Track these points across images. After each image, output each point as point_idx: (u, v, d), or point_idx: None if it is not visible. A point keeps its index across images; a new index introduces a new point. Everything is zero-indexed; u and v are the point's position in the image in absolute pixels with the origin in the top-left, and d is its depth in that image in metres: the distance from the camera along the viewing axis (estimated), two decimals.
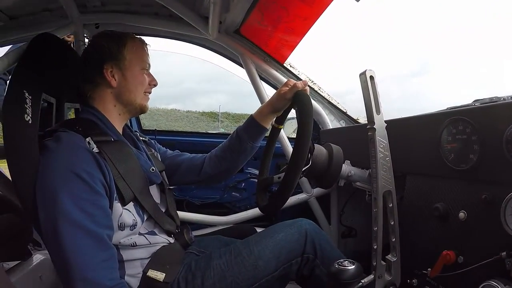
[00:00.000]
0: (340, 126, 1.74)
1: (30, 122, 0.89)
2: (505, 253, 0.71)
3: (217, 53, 1.79)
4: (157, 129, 2.03)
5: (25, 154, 0.85)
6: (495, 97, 0.88)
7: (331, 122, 1.71)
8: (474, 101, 0.93)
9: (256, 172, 1.90)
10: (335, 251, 1.06)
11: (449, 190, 0.90)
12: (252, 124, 1.16)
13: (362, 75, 0.91)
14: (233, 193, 1.85)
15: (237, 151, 1.18)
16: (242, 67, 1.70)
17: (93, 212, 0.79)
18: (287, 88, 1.06)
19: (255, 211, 1.69)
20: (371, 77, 0.91)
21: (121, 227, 0.87)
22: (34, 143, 0.87)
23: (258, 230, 1.48)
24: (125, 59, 1.00)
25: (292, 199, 1.67)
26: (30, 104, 0.91)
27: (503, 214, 0.71)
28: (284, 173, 0.93)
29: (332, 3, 1.26)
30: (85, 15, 1.58)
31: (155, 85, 1.08)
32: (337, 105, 1.73)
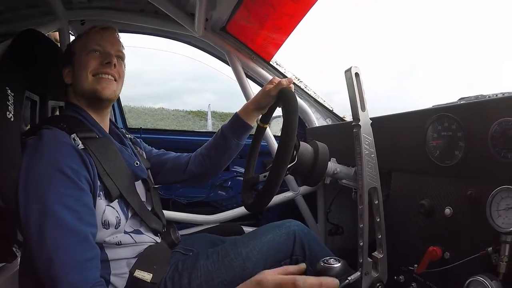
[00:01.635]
0: (326, 123, 1.73)
1: (12, 119, 0.85)
2: (491, 248, 0.71)
3: (203, 51, 1.76)
4: (142, 127, 1.98)
5: (6, 152, 0.82)
6: (480, 95, 0.88)
7: (317, 120, 1.70)
8: (459, 99, 0.93)
9: (242, 170, 1.87)
10: (325, 251, 1.04)
11: (434, 186, 0.90)
12: (236, 122, 1.14)
13: (348, 72, 0.89)
14: (219, 191, 1.83)
15: (222, 148, 1.16)
16: (228, 65, 1.67)
17: (78, 210, 0.76)
18: (272, 86, 1.05)
19: (242, 210, 1.67)
20: (357, 74, 0.89)
21: (105, 225, 0.84)
22: (16, 141, 0.84)
23: (245, 228, 1.46)
24: (74, 55, 0.99)
25: (279, 197, 1.66)
26: (13, 101, 0.88)
27: (489, 209, 0.71)
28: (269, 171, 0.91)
29: (319, 1, 1.25)
30: (70, 11, 1.54)
31: (108, 63, 0.97)
32: (323, 103, 1.72)
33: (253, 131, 1.18)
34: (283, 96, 1.01)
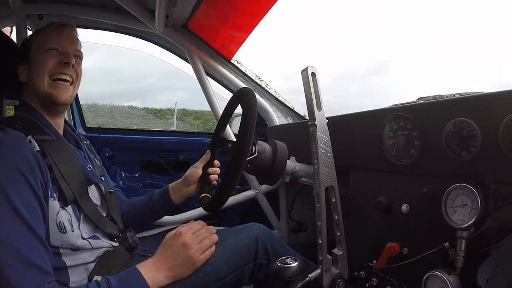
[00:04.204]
0: (287, 122, 1.71)
1: None
2: (447, 243, 0.72)
3: (164, 48, 1.67)
4: (101, 127, 1.85)
5: None
6: (438, 95, 0.89)
7: (278, 118, 1.67)
8: (418, 98, 0.94)
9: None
10: (288, 252, 1.02)
11: (391, 184, 0.89)
12: (164, 193, 1.20)
13: (304, 71, 0.86)
14: None
15: (146, 210, 1.22)
16: (189, 63, 1.60)
17: (33, 209, 0.72)
18: (198, 163, 1.18)
19: (201, 210, 1.61)
20: (313, 74, 0.86)
21: (60, 228, 0.80)
22: None
23: None
24: (30, 51, 0.92)
25: (240, 196, 1.63)
26: None
27: (444, 206, 0.71)
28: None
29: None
30: (28, 4, 1.45)
31: (67, 63, 0.91)
32: (284, 102, 1.70)
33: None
34: (242, 93, 1.00)
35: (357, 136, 1.01)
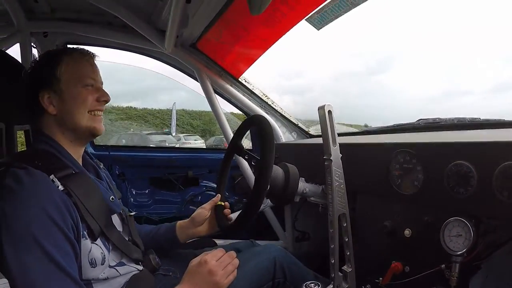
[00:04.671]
0: (292, 137, 1.81)
1: None
2: (444, 265, 0.84)
3: (172, 67, 1.73)
4: (110, 145, 1.95)
5: None
6: (438, 118, 1.01)
7: (283, 134, 1.76)
8: (418, 120, 1.04)
9: (212, 185, 1.90)
10: (302, 269, 1.14)
11: (396, 210, 1.01)
12: (170, 229, 1.22)
13: (321, 109, 0.96)
14: (190, 206, 1.82)
15: (156, 244, 1.20)
16: (197, 81, 1.66)
17: (66, 254, 0.75)
18: (206, 205, 1.21)
19: None
20: (329, 112, 0.96)
21: (92, 263, 0.83)
22: None
23: (217, 241, 1.51)
24: (60, 81, 0.89)
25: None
26: None
27: (442, 235, 0.83)
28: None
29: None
30: (32, 22, 1.44)
31: (106, 101, 0.95)
32: (290, 118, 1.79)
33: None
34: (258, 122, 1.08)
35: (366, 165, 1.10)
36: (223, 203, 1.22)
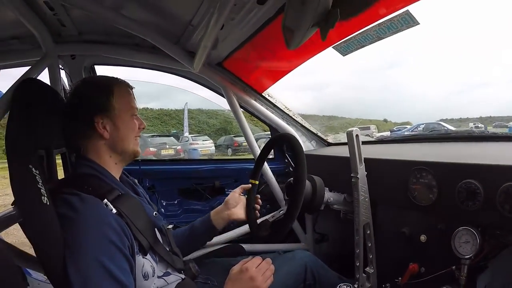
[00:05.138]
0: (312, 146, 1.96)
1: (48, 203, 0.81)
2: (454, 267, 0.99)
3: (198, 84, 1.83)
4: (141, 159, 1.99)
5: (48, 236, 0.79)
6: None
7: (303, 143, 1.91)
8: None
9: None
10: (329, 272, 1.31)
11: (413, 218, 1.16)
12: (206, 223, 1.32)
13: (349, 133, 1.12)
14: None
15: (195, 240, 1.33)
16: (223, 97, 1.78)
17: (126, 271, 0.83)
18: (236, 190, 1.34)
19: (240, 230, 1.77)
20: (357, 136, 1.12)
21: (145, 276, 0.91)
22: (56, 223, 0.80)
23: (244, 246, 1.67)
24: (114, 109, 0.98)
25: (272, 215, 1.83)
26: (42, 182, 0.82)
27: (453, 242, 0.98)
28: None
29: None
30: (60, 45, 1.46)
31: (143, 128, 1.07)
32: (309, 128, 1.93)
33: None
34: (288, 140, 1.23)
35: (386, 179, 1.23)
36: (256, 182, 1.36)
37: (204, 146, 13.16)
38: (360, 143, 1.13)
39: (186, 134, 14.36)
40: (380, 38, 1.12)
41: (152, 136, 12.89)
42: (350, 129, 1.11)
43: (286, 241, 1.87)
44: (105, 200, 0.85)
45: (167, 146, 12.25)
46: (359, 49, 1.21)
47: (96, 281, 0.76)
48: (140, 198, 1.06)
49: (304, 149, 1.84)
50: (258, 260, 1.03)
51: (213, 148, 13.81)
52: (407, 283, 1.12)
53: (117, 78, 1.06)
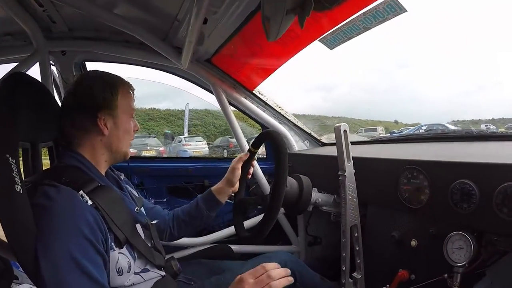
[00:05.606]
0: (305, 146, 1.88)
1: (21, 192, 0.79)
2: (446, 275, 0.90)
3: (187, 81, 1.79)
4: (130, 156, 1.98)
5: (22, 225, 0.77)
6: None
7: (296, 143, 1.83)
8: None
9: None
10: (310, 273, 1.24)
11: (403, 221, 1.07)
12: (209, 197, 1.29)
13: (337, 129, 1.04)
14: None
15: (195, 217, 1.29)
16: (213, 94, 1.73)
17: (98, 266, 0.81)
18: (236, 162, 1.27)
19: (228, 230, 1.74)
20: (345, 131, 1.04)
21: (119, 272, 0.87)
22: (28, 212, 0.79)
23: (232, 247, 1.61)
24: (117, 107, 0.98)
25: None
26: (17, 171, 0.80)
27: (445, 247, 0.89)
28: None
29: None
30: (51, 41, 1.48)
31: (137, 131, 1.07)
32: (302, 127, 1.86)
33: None
34: (272, 137, 1.14)
35: (376, 178, 1.16)
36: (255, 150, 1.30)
37: (197, 148, 12.97)
38: (349, 139, 1.05)
39: (186, 134, 14.38)
40: (367, 29, 1.06)
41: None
42: (337, 124, 1.04)
43: (277, 243, 1.81)
44: (81, 192, 0.84)
45: (148, 148, 12.13)
46: (346, 41, 1.16)
47: (67, 275, 0.74)
48: (123, 193, 1.04)
49: (297, 149, 1.83)
50: (261, 270, 0.90)
51: (207, 149, 13.62)
52: None
53: (121, 77, 1.04)
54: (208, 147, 14.11)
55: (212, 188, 1.30)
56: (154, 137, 13.98)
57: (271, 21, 0.85)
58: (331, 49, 1.21)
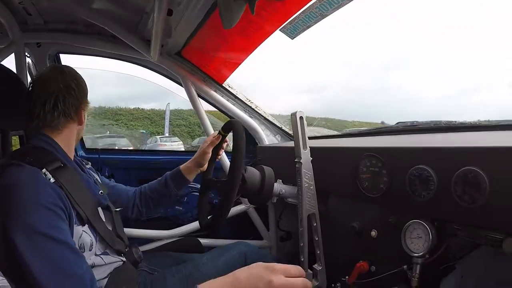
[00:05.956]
0: (277, 140, 1.84)
1: None
2: (406, 266, 0.86)
3: (159, 74, 1.77)
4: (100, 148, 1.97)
5: None
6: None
7: (267, 137, 1.79)
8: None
9: (198, 186, 1.92)
10: (270, 261, 1.19)
11: (363, 211, 1.04)
12: (178, 175, 1.33)
13: (293, 115, 1.00)
14: (176, 206, 1.83)
15: (162, 194, 1.34)
16: (182, 87, 1.70)
17: (64, 231, 0.80)
18: (207, 144, 1.30)
19: (197, 224, 1.64)
20: (301, 118, 1.00)
21: (81, 248, 0.88)
22: None
23: (202, 240, 1.56)
24: (88, 102, 1.07)
25: (233, 210, 1.72)
26: None
27: (403, 236, 0.85)
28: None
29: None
30: (26, 33, 1.53)
31: None
32: (273, 121, 1.82)
33: None
34: (233, 126, 1.15)
35: (336, 168, 1.13)
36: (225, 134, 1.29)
37: (172, 148, 12.57)
38: (305, 125, 1.01)
39: (167, 134, 14.29)
40: (323, 16, 1.05)
41: (100, 137, 12.27)
42: (294, 111, 1.00)
43: (248, 238, 1.77)
44: (44, 170, 0.85)
45: (117, 148, 11.87)
46: (305, 30, 1.15)
47: (42, 245, 0.74)
48: (87, 175, 1.09)
49: (267, 143, 1.79)
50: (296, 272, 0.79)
51: (183, 149, 13.24)
52: (356, 283, 1.00)
53: None
54: (186, 147, 13.97)
55: (181, 166, 1.34)
56: (123, 137, 13.75)
57: (224, 9, 0.88)
58: (292, 38, 1.19)
